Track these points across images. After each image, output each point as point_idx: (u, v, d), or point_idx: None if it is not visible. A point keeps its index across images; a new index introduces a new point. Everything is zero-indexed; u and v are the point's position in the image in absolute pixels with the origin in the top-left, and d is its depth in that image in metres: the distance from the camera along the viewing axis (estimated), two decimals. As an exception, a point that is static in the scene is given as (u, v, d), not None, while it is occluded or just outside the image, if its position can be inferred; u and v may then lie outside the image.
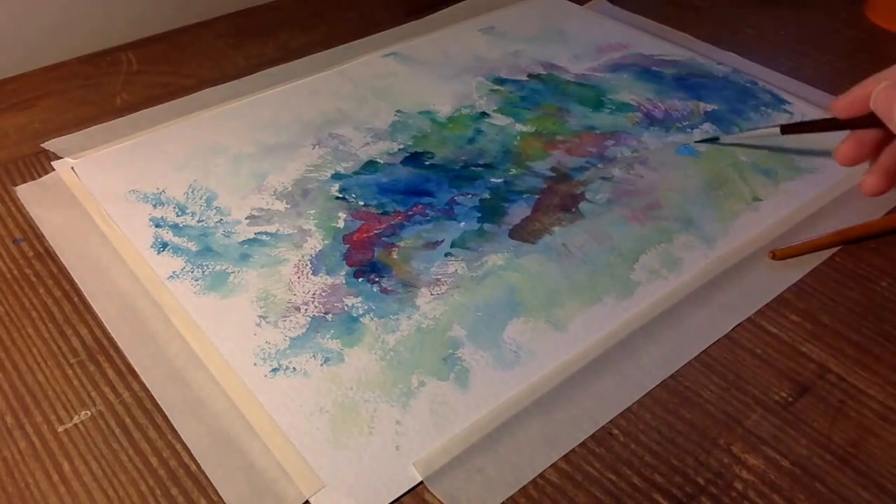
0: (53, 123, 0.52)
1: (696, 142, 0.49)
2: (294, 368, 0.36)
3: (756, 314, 0.39)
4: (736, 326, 0.38)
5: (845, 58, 0.60)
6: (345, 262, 0.41)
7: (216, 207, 0.44)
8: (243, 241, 0.42)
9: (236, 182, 0.46)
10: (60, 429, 0.34)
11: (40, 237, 0.43)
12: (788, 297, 0.40)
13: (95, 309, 0.39)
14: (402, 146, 0.49)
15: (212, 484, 0.31)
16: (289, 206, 0.45)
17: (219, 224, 0.43)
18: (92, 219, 0.44)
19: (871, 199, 0.41)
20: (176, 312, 0.38)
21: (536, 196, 0.45)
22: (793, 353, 0.37)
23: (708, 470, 0.32)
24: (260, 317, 0.38)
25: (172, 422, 0.34)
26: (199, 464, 0.32)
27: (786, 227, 0.44)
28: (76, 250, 0.42)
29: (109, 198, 0.45)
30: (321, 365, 0.36)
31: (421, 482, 0.31)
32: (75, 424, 0.34)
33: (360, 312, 0.38)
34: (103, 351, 0.37)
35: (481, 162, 0.48)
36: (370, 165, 0.48)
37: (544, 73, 0.57)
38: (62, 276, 0.41)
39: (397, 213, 0.44)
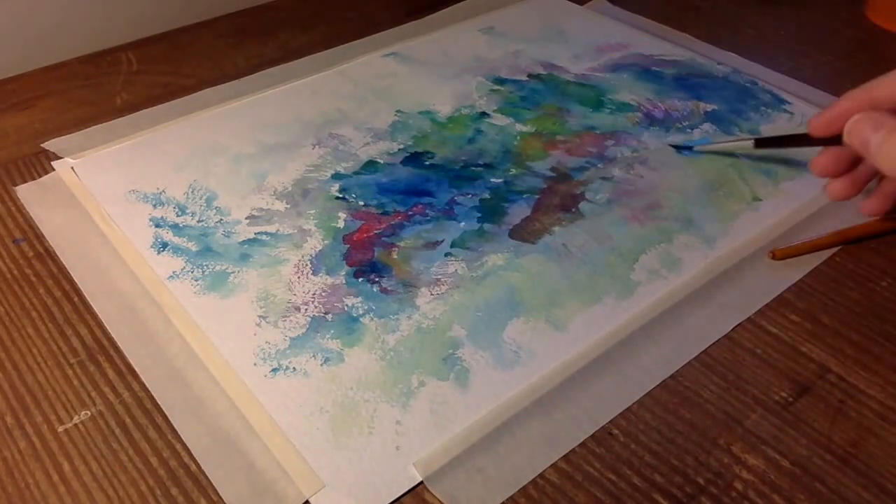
0: (53, 123, 0.52)
1: (670, 145, 0.49)
2: (294, 368, 0.36)
3: (756, 314, 0.39)
4: (736, 326, 0.38)
5: (845, 58, 0.60)
6: (345, 262, 0.41)
7: (216, 207, 0.44)
8: (243, 241, 0.42)
9: (236, 182, 0.46)
10: (60, 429, 0.34)
11: (40, 237, 0.43)
12: (788, 297, 0.40)
13: (95, 309, 0.39)
14: (402, 146, 0.49)
15: (212, 484, 0.31)
16: (289, 206, 0.45)
17: (219, 224, 0.43)
18: (92, 219, 0.44)
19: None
20: (176, 312, 0.38)
21: (536, 196, 0.45)
22: (793, 353, 0.37)
23: (708, 470, 0.32)
24: (260, 317, 0.38)
25: (172, 422, 0.34)
26: (199, 464, 0.32)
27: (786, 227, 0.44)
28: (76, 250, 0.42)
29: (109, 198, 0.45)
30: (321, 365, 0.36)
31: (421, 482, 0.31)
32: (75, 424, 0.34)
33: (360, 312, 0.38)
34: (103, 351, 0.37)
35: (481, 162, 0.48)
36: (370, 165, 0.48)
37: (544, 73, 0.57)
38: (62, 276, 0.41)
39: (397, 213, 0.44)
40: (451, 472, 0.32)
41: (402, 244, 0.42)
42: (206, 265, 0.41)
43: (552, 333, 0.37)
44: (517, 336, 0.37)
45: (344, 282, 0.40)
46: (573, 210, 0.44)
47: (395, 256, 0.41)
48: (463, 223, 0.43)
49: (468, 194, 0.45)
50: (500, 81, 0.55)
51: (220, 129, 0.51)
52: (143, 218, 0.44)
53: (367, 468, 0.32)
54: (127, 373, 0.36)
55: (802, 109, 0.53)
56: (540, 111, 0.53)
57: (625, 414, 0.34)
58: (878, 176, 0.40)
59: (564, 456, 0.33)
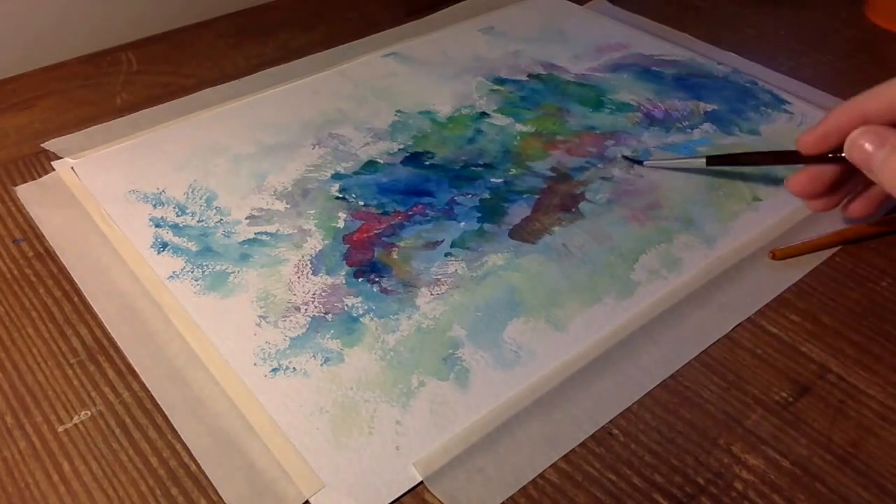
0: (53, 123, 0.52)
1: (623, 156, 0.48)
2: (294, 368, 0.36)
3: (756, 314, 0.39)
4: (736, 326, 0.38)
5: (845, 58, 0.60)
6: (345, 262, 0.41)
7: (216, 207, 0.44)
8: (243, 241, 0.42)
9: (236, 182, 0.46)
10: (60, 429, 0.34)
11: (40, 237, 0.43)
12: (788, 297, 0.40)
13: (95, 309, 0.39)
14: (402, 146, 0.49)
15: (212, 484, 0.31)
16: (289, 206, 0.45)
17: (219, 224, 0.43)
18: (92, 219, 0.44)
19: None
20: (176, 312, 0.38)
21: (536, 196, 0.45)
22: (793, 353, 0.37)
23: (708, 470, 0.32)
24: (260, 317, 0.38)
25: (172, 422, 0.34)
26: (199, 464, 0.32)
27: (786, 227, 0.44)
28: (76, 250, 0.42)
29: (109, 198, 0.45)
30: (321, 365, 0.36)
31: (421, 482, 0.31)
32: (75, 424, 0.34)
33: (360, 312, 0.38)
34: (103, 351, 0.37)
35: (481, 162, 0.48)
36: (370, 165, 0.48)
37: (544, 73, 0.57)
38: (62, 276, 0.41)
39: (397, 213, 0.44)
40: (451, 472, 0.32)
41: (402, 244, 0.42)
42: (206, 265, 0.41)
43: (552, 333, 0.37)
44: (517, 336, 0.37)
45: (344, 282, 0.40)
46: (573, 210, 0.44)
47: (395, 256, 0.41)
48: (463, 223, 0.43)
49: (468, 194, 0.45)
50: (500, 81, 0.55)
51: (220, 129, 0.51)
52: (143, 218, 0.44)
53: (367, 468, 0.32)
54: (127, 373, 0.36)
55: (802, 109, 0.53)
56: (540, 111, 0.53)
57: (625, 414, 0.34)
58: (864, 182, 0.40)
59: (564, 456, 0.33)
